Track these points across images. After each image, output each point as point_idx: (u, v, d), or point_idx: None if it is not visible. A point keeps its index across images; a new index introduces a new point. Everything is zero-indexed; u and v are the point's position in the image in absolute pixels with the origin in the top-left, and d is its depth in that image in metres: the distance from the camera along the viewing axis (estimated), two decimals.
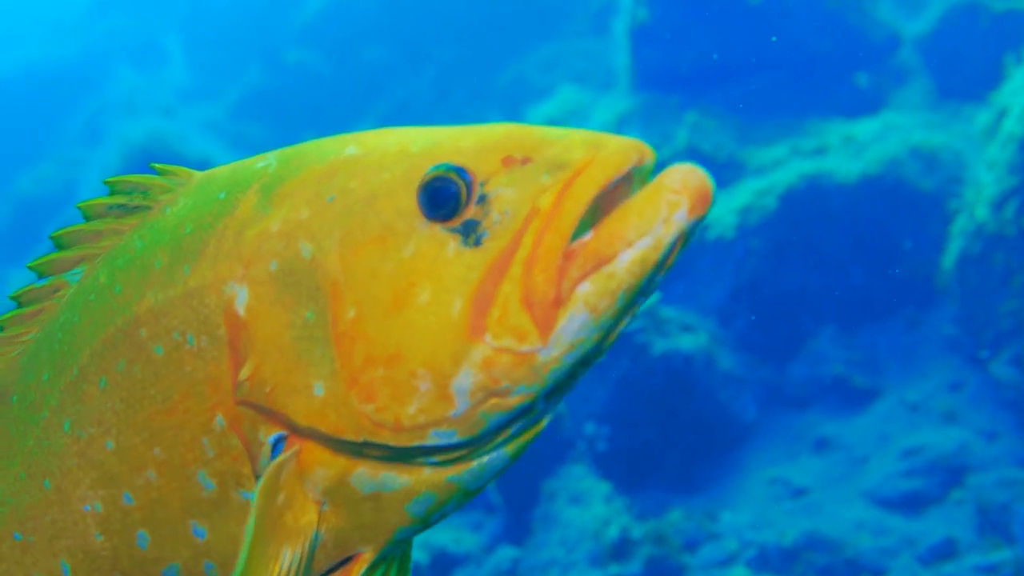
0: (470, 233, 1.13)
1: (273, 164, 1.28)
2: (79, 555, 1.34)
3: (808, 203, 5.21)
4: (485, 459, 1.23)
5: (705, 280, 5.28)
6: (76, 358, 1.33)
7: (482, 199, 1.14)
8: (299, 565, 1.25)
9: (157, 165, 1.36)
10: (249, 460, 1.24)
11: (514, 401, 1.13)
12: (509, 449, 1.22)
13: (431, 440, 1.15)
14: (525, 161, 1.14)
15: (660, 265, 1.06)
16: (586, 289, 1.07)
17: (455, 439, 1.16)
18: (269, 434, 1.22)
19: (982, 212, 4.42)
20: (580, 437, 4.71)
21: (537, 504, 4.60)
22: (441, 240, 1.13)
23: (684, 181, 1.04)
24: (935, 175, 5.19)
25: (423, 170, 1.16)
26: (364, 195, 1.19)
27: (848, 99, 6.41)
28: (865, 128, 5.60)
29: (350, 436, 1.17)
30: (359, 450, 1.19)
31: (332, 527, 1.26)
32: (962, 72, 6.26)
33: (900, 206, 5.17)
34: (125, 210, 1.35)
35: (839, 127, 5.77)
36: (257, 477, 1.24)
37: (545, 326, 1.09)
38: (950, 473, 4.22)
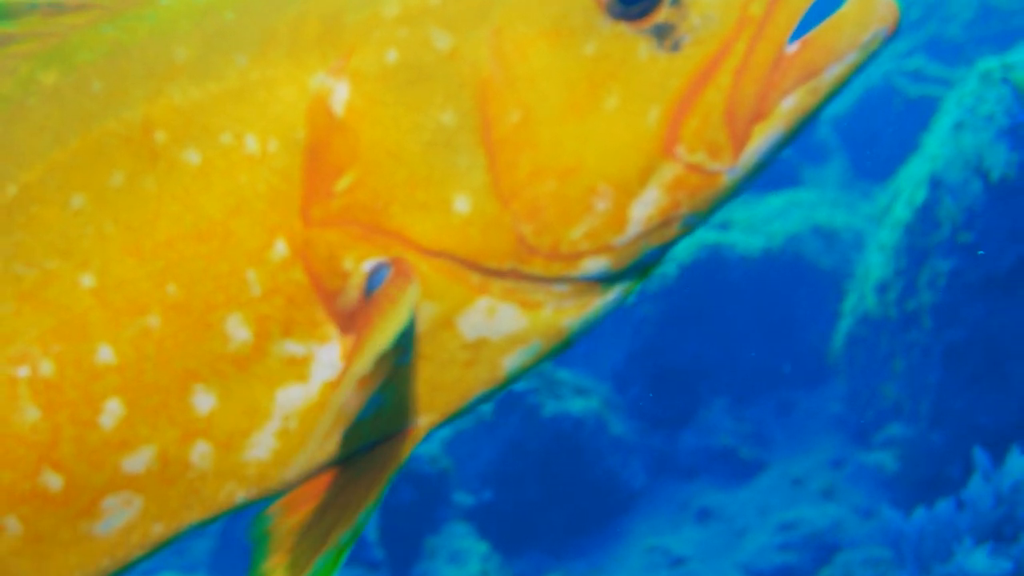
0: (665, 36, 1.01)
1: None
2: None
3: (709, 274, 5.38)
4: (607, 299, 1.10)
5: (603, 344, 5.43)
6: (13, 176, 1.03)
7: (677, 1, 1.01)
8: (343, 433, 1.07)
9: None
10: (318, 299, 1.04)
11: (679, 231, 1.05)
12: (625, 291, 1.11)
13: (581, 271, 1.05)
14: None
15: (849, 80, 1.00)
16: (790, 104, 1.00)
17: (605, 270, 1.05)
18: (363, 261, 1.03)
19: (869, 294, 4.61)
20: (465, 495, 4.79)
21: (419, 560, 4.66)
22: (630, 41, 1.01)
23: None
24: (834, 253, 5.41)
25: None
26: None
27: (765, 174, 6.66)
28: (772, 203, 5.82)
29: (492, 262, 1.04)
30: (490, 280, 1.05)
31: (403, 387, 1.09)
32: (876, 153, 6.53)
33: (799, 282, 5.38)
34: (61, 8, 1.07)
35: (748, 201, 6.00)
36: (344, 313, 1.05)
37: (739, 143, 1.01)
38: (822, 550, 4.34)
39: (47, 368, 1.01)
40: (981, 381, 4.07)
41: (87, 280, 1.01)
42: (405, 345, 1.04)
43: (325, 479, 1.12)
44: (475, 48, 1.03)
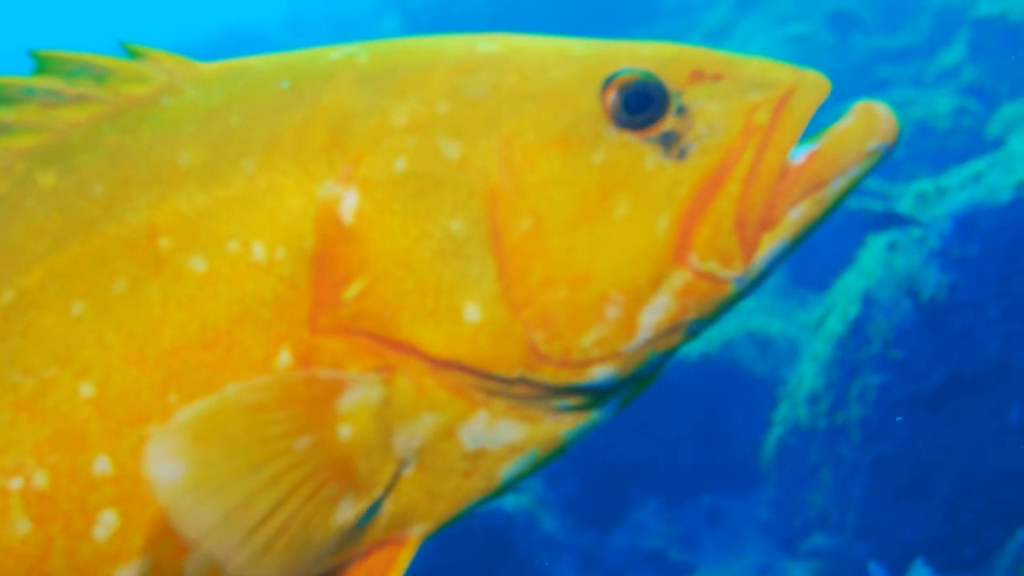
0: (672, 145, 1.03)
1: (363, 55, 1.10)
2: None
3: None
4: (603, 410, 1.11)
5: None
6: (11, 280, 1.00)
7: (681, 110, 1.04)
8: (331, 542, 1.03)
9: (130, 45, 1.09)
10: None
11: (684, 338, 1.06)
12: (622, 401, 1.12)
13: (589, 378, 1.04)
14: (718, 77, 1.06)
15: (852, 192, 1.03)
16: (797, 214, 1.02)
17: (611, 378, 1.04)
18: (368, 370, 1.02)
19: (801, 403, 4.70)
20: None
21: None
22: (637, 150, 1.03)
23: (887, 110, 1.02)
24: (769, 361, 5.52)
25: (603, 72, 1.06)
26: (529, 92, 1.06)
27: None
28: None
29: (503, 370, 1.02)
30: (495, 391, 1.05)
31: (402, 497, 1.07)
32: (814, 262, 6.67)
33: (734, 388, 5.46)
34: (60, 100, 1.05)
35: None
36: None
37: (749, 251, 1.02)
38: None
39: (41, 479, 0.97)
40: (905, 496, 4.16)
41: (87, 389, 0.98)
42: (407, 456, 1.03)
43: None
44: (484, 157, 1.03)
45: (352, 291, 1.01)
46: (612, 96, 1.04)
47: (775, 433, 4.90)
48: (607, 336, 1.02)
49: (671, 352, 1.08)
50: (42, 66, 1.04)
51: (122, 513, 0.98)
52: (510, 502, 4.99)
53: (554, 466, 5.56)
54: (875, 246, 4.63)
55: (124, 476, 0.98)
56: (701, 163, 1.03)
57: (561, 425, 1.08)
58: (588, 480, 5.35)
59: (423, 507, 1.08)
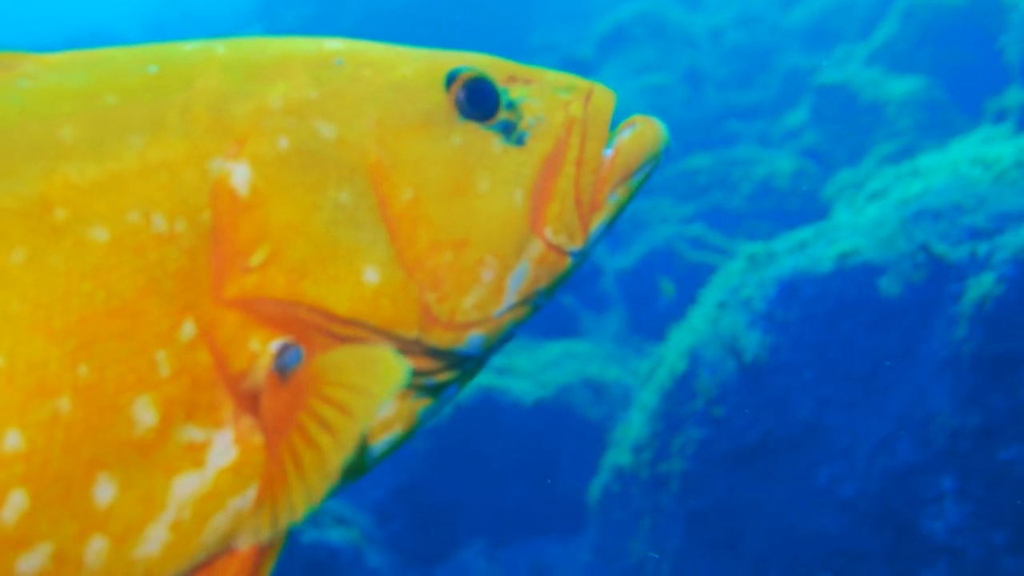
0: (510, 133, 1.17)
1: (220, 48, 1.15)
2: None
3: (482, 417, 5.52)
4: (447, 394, 1.19)
5: (370, 475, 5.48)
6: None
7: (510, 104, 1.19)
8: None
9: None
10: (221, 381, 1.03)
11: (530, 311, 1.18)
12: (457, 391, 1.22)
13: (464, 344, 1.13)
14: (528, 81, 1.23)
15: (643, 184, 1.25)
16: (615, 199, 1.21)
17: (479, 347, 1.15)
18: (270, 341, 1.04)
19: (627, 452, 4.81)
20: None
21: None
22: (484, 136, 1.16)
23: (663, 125, 1.26)
24: (602, 407, 5.65)
25: (443, 71, 1.18)
26: (386, 84, 1.16)
27: (547, 320, 6.90)
28: (550, 351, 6.05)
29: (402, 331, 1.08)
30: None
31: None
32: (653, 311, 6.86)
33: (566, 432, 5.57)
34: None
35: (529, 347, 6.21)
36: (247, 400, 1.04)
37: (585, 228, 1.18)
38: None
39: None
40: (719, 549, 4.29)
41: None
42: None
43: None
44: (360, 136, 1.12)
45: (256, 259, 1.04)
46: (457, 90, 1.17)
47: (602, 479, 4.99)
48: (483, 299, 1.12)
49: (517, 326, 1.18)
50: None
51: (32, 494, 0.93)
52: (336, 536, 4.99)
53: (383, 503, 5.59)
54: (707, 303, 4.79)
55: (35, 452, 0.93)
56: (538, 148, 1.18)
57: (420, 404, 1.15)
58: (417, 518, 5.39)
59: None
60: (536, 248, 1.16)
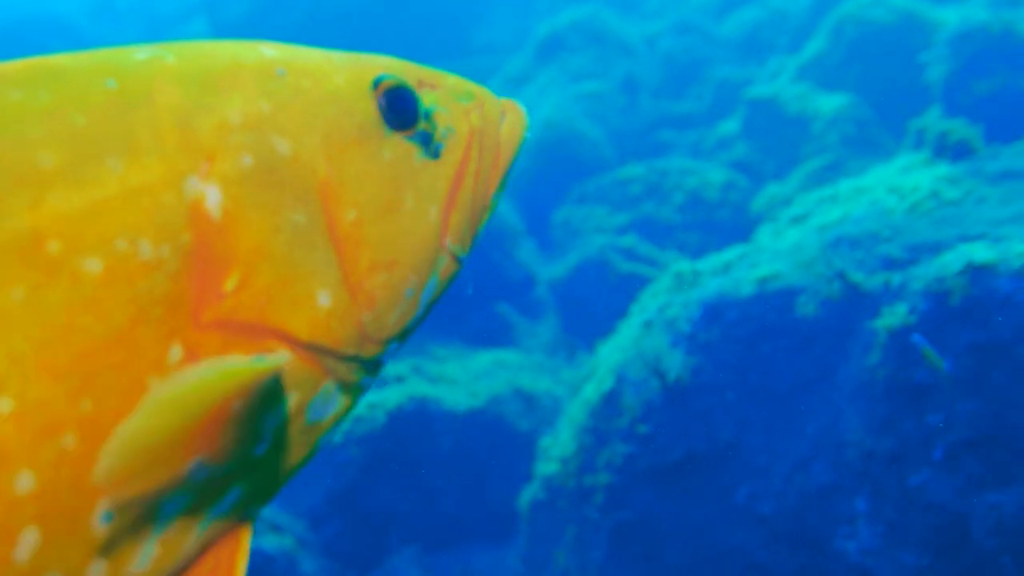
0: (428, 144, 1.18)
1: (169, 57, 1.09)
2: None
3: (414, 425, 5.53)
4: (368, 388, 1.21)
5: (304, 482, 5.48)
6: None
7: (426, 114, 1.19)
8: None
9: None
10: None
11: (423, 316, 1.20)
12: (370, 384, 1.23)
13: (384, 352, 1.16)
14: (434, 87, 1.23)
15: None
16: (495, 199, 1.26)
17: (392, 352, 1.17)
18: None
19: (555, 462, 4.84)
20: None
21: None
22: (407, 149, 1.16)
23: (523, 111, 1.31)
24: (533, 417, 5.68)
25: (369, 77, 1.17)
26: (324, 95, 1.14)
27: (481, 327, 6.92)
28: (482, 360, 6.07)
29: (349, 349, 1.10)
30: (333, 368, 1.11)
31: (256, 476, 1.07)
32: (585, 320, 6.90)
33: (497, 442, 5.60)
34: None
35: (463, 355, 6.23)
36: None
37: (473, 234, 1.22)
38: None
39: None
40: (640, 562, 4.34)
41: (5, 404, 0.91)
42: (266, 435, 1.05)
43: None
44: (311, 152, 1.10)
45: (230, 284, 1.03)
46: (381, 99, 1.17)
47: (531, 489, 5.02)
48: (403, 314, 1.15)
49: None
50: None
51: (42, 530, 0.93)
52: (271, 543, 4.99)
53: (318, 509, 5.59)
54: (634, 321, 4.83)
55: (45, 491, 0.92)
56: (449, 160, 1.20)
57: (352, 400, 1.17)
58: (350, 524, 5.39)
59: (267, 486, 1.10)
60: (443, 261, 1.19)
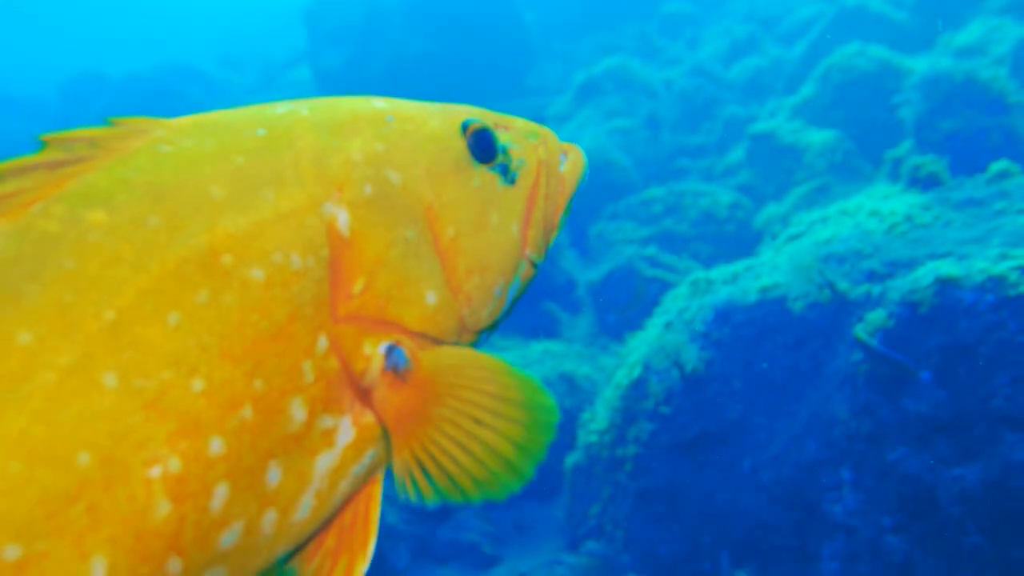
0: (506, 174, 1.19)
1: (303, 110, 1.14)
2: (127, 541, 0.88)
3: None
4: None
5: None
6: (106, 302, 0.91)
7: (503, 149, 1.21)
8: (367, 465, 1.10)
9: (112, 118, 1.03)
10: (346, 379, 1.06)
11: (509, 311, 1.22)
12: None
13: (477, 343, 1.19)
14: (507, 128, 1.24)
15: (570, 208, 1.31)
16: (561, 219, 1.27)
17: (485, 342, 1.21)
18: (378, 344, 1.07)
19: (593, 435, 4.83)
20: None
21: None
22: (491, 178, 1.18)
23: (583, 155, 1.32)
24: (575, 396, 5.65)
25: (458, 122, 1.20)
26: (425, 137, 1.16)
27: (533, 321, 6.90)
28: (534, 350, 6.05)
29: (450, 337, 1.13)
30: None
31: (385, 443, 1.11)
32: (617, 317, 6.86)
33: None
34: (61, 163, 0.96)
35: (519, 345, 6.21)
36: (361, 392, 1.08)
37: (546, 246, 1.24)
38: None
39: (175, 465, 0.92)
40: (661, 520, 4.31)
41: (198, 384, 0.94)
42: None
43: (327, 529, 1.11)
44: (417, 182, 1.13)
45: (358, 286, 1.06)
46: (470, 139, 1.19)
47: (574, 455, 5.00)
48: (494, 309, 1.17)
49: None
50: (44, 146, 0.98)
51: (230, 485, 0.97)
52: None
53: None
54: (658, 321, 4.79)
55: (231, 453, 0.96)
56: (522, 186, 1.22)
57: None
58: None
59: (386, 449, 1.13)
60: (523, 266, 1.21)
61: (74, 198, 0.95)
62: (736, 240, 7.25)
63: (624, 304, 6.82)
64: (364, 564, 1.09)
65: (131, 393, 0.91)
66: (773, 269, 4.40)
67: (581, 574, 4.53)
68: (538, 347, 6.07)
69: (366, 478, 1.13)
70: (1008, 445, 3.28)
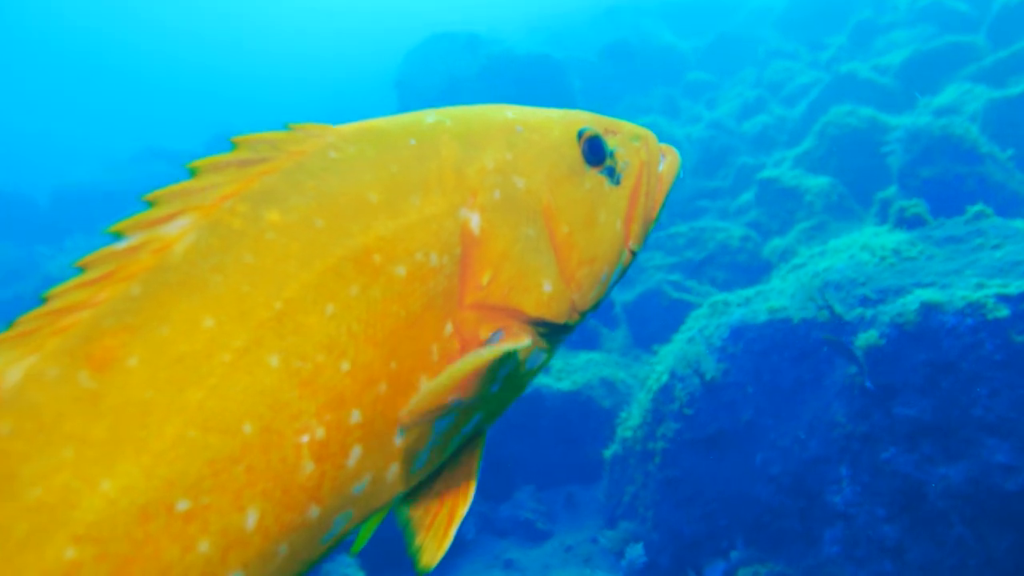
0: (612, 175, 1.13)
1: (448, 121, 1.09)
2: (276, 494, 0.88)
3: (532, 403, 5.45)
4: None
5: None
6: (275, 294, 0.90)
7: (611, 154, 1.15)
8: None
9: (290, 124, 1.01)
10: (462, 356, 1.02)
11: (609, 293, 1.16)
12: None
13: (581, 320, 1.13)
14: (615, 133, 1.17)
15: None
16: (658, 212, 1.19)
17: (586, 320, 1.19)
18: (491, 331, 1.03)
19: (629, 431, 4.72)
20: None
21: None
22: (599, 180, 1.12)
23: (678, 155, 1.23)
24: (613, 397, 5.54)
25: (575, 130, 1.14)
26: (547, 145, 1.11)
27: (578, 335, 6.81)
28: (579, 358, 5.95)
29: (563, 320, 1.08)
30: (544, 333, 1.08)
31: (491, 406, 1.05)
32: (647, 331, 6.73)
33: (589, 414, 5.48)
34: (249, 162, 0.95)
35: (566, 355, 6.12)
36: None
37: (644, 236, 1.16)
38: None
39: (320, 433, 0.90)
40: (684, 505, 4.18)
41: (345, 365, 0.92)
42: (499, 380, 1.03)
43: (436, 476, 1.08)
44: (538, 186, 1.08)
45: (485, 279, 1.01)
46: (583, 146, 1.12)
47: (612, 447, 4.91)
48: (598, 293, 1.11)
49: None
50: (235, 146, 0.96)
51: (364, 446, 0.94)
52: None
53: None
54: (682, 336, 4.67)
55: (367, 421, 0.93)
56: (627, 186, 1.15)
57: (552, 352, 1.14)
58: (488, 468, 5.33)
59: (496, 414, 1.08)
60: (624, 256, 1.14)
61: (256, 197, 0.93)
62: (747, 268, 7.06)
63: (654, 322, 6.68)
64: (464, 507, 1.05)
65: (290, 373, 0.89)
66: (780, 294, 4.25)
67: (618, 548, 4.40)
68: (584, 356, 5.97)
69: (472, 436, 1.08)
70: (988, 448, 3.09)
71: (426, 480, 1.06)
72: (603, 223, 1.12)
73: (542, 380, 5.49)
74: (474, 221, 1.03)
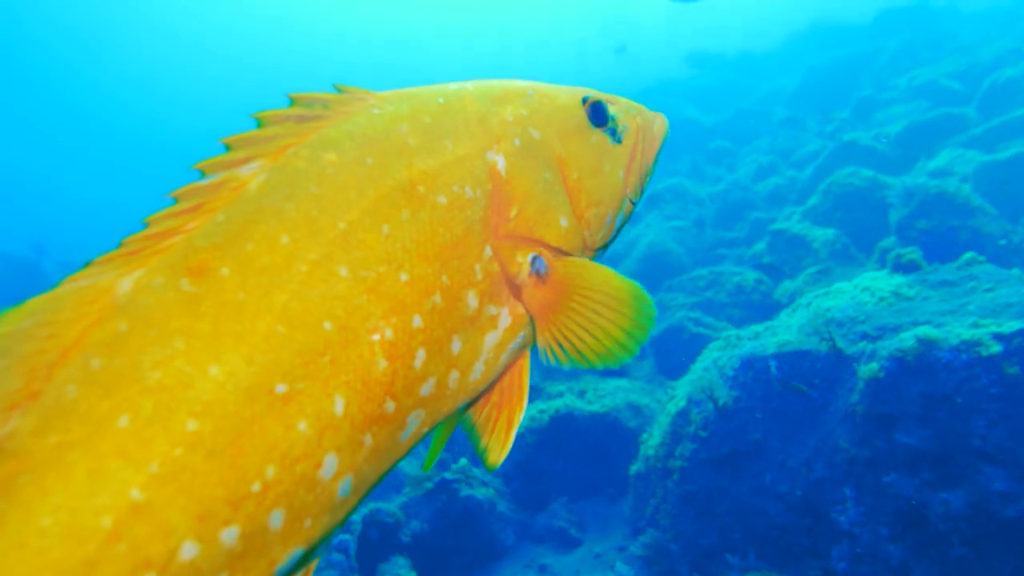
0: (614, 135, 1.13)
1: (469, 86, 1.09)
2: (357, 386, 0.87)
3: (565, 423, 5.27)
4: None
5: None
6: (339, 217, 0.89)
7: (612, 118, 1.14)
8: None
9: (338, 85, 1.00)
10: (504, 280, 1.00)
11: (616, 235, 1.13)
12: None
13: (594, 256, 1.11)
14: (614, 103, 1.17)
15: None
16: (655, 166, 1.19)
17: (600, 256, 1.13)
18: (527, 255, 1.02)
19: (651, 450, 4.50)
20: (407, 537, 4.56)
21: None
22: (603, 138, 1.12)
23: (666, 121, 1.21)
24: (639, 420, 5.31)
25: (580, 97, 1.13)
26: (557, 106, 1.11)
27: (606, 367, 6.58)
28: (609, 384, 5.75)
29: (576, 252, 1.07)
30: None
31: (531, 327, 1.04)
32: (670, 362, 6.50)
33: (615, 434, 5.26)
34: (306, 118, 0.94)
35: (598, 381, 5.92)
36: (515, 289, 1.01)
37: (641, 189, 1.15)
38: None
39: (389, 333, 0.89)
40: (700, 518, 3.93)
41: (403, 276, 0.91)
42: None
43: (492, 389, 1.05)
44: (551, 138, 1.07)
45: (514, 211, 1.01)
46: (588, 109, 1.12)
47: (636, 465, 4.70)
48: (606, 232, 1.09)
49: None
50: (292, 102, 0.94)
51: (427, 350, 0.92)
52: (481, 492, 4.78)
53: (508, 471, 5.33)
54: (699, 365, 4.45)
55: (427, 328, 0.92)
56: (627, 144, 1.14)
57: None
58: (526, 482, 5.14)
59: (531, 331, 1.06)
60: (625, 203, 1.13)
61: (315, 144, 0.93)
62: (760, 307, 6.78)
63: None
64: (520, 414, 1.02)
65: (358, 281, 0.88)
66: (786, 329, 4.00)
67: (640, 555, 4.14)
68: (613, 383, 5.76)
69: (519, 353, 1.05)
70: (987, 476, 2.78)
71: (485, 390, 1.03)
72: (607, 172, 1.11)
73: (575, 403, 5.29)
74: (500, 163, 1.02)
